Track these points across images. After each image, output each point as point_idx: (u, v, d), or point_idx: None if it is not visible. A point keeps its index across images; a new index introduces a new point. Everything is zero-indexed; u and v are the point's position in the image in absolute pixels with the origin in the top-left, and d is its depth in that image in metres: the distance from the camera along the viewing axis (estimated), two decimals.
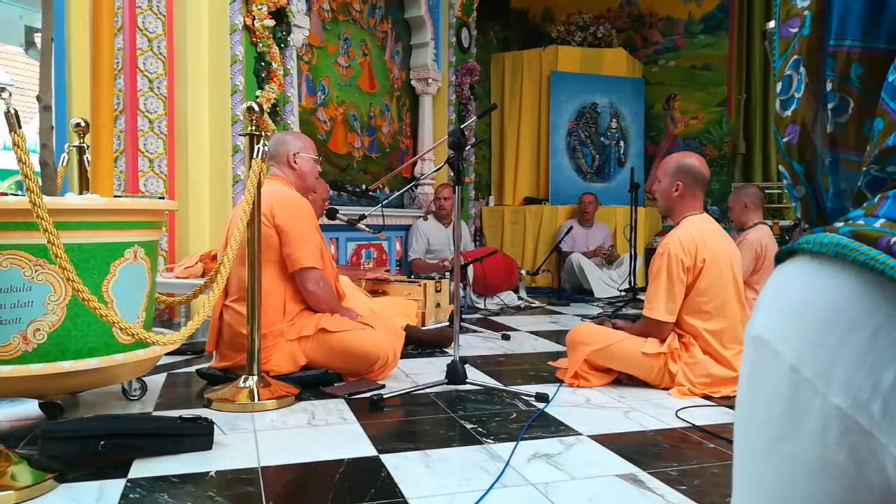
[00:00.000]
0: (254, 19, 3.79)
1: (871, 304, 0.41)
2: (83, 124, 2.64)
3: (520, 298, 5.38)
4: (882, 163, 0.45)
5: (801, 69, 0.52)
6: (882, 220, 0.42)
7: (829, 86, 0.50)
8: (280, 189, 2.76)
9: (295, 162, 2.88)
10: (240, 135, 3.74)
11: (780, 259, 0.49)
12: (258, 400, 2.33)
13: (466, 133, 5.38)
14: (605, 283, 5.80)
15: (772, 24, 0.59)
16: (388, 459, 1.84)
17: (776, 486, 0.45)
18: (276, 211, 2.65)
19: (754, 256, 3.93)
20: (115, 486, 1.64)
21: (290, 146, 2.88)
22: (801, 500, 0.43)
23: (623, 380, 2.72)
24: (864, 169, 0.47)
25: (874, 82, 0.47)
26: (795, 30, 0.53)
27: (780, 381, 0.45)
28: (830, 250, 0.43)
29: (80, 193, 2.38)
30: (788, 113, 0.54)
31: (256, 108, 2.44)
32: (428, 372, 2.91)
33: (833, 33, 0.49)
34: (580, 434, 2.09)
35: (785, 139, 0.54)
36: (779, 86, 0.55)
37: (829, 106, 0.50)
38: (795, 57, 0.53)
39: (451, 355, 2.70)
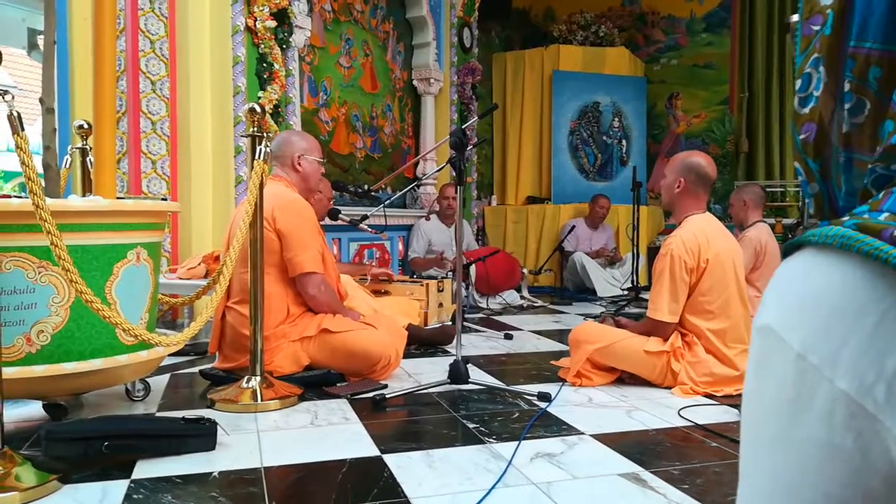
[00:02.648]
0: (255, 20, 3.79)
1: (876, 293, 0.42)
2: (86, 126, 2.65)
3: (522, 298, 5.38)
4: (887, 160, 0.46)
5: (821, 68, 0.52)
6: (886, 214, 0.43)
7: (847, 86, 0.50)
8: (282, 191, 2.74)
9: (299, 164, 2.86)
10: (242, 136, 3.75)
11: (786, 253, 0.50)
12: (261, 400, 2.34)
13: (468, 133, 5.38)
14: (608, 281, 5.80)
15: (795, 17, 0.59)
16: (390, 459, 1.85)
17: (785, 473, 0.45)
18: (277, 215, 2.64)
19: (753, 254, 3.95)
20: (119, 487, 1.65)
21: (294, 147, 2.86)
22: (810, 484, 0.43)
23: (625, 379, 2.72)
24: (869, 167, 0.47)
25: (891, 85, 0.47)
26: (817, 28, 0.53)
27: (787, 369, 0.45)
28: (836, 242, 0.44)
29: (84, 195, 2.40)
30: (806, 111, 0.54)
31: (258, 109, 2.44)
32: (430, 372, 2.91)
33: (854, 34, 0.49)
34: (582, 433, 2.09)
35: (802, 136, 0.54)
36: (798, 83, 0.55)
37: (846, 106, 0.50)
38: (816, 55, 0.53)
39: (453, 355, 2.70)
